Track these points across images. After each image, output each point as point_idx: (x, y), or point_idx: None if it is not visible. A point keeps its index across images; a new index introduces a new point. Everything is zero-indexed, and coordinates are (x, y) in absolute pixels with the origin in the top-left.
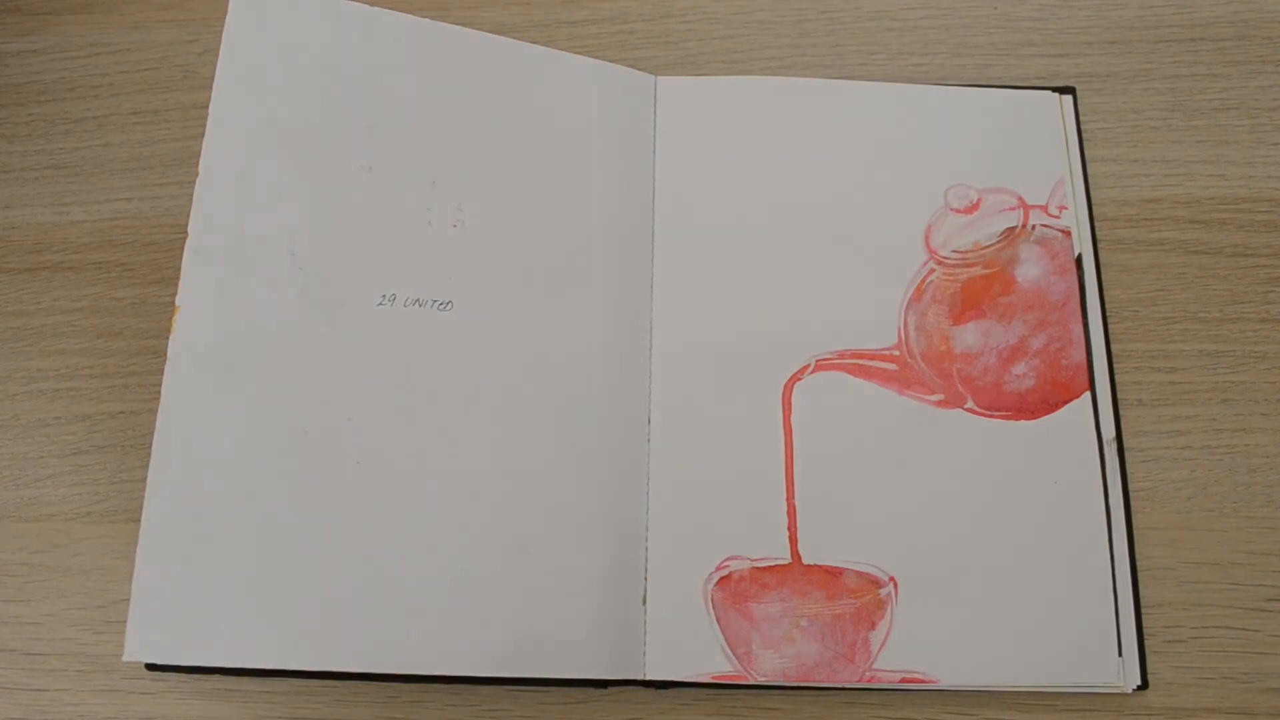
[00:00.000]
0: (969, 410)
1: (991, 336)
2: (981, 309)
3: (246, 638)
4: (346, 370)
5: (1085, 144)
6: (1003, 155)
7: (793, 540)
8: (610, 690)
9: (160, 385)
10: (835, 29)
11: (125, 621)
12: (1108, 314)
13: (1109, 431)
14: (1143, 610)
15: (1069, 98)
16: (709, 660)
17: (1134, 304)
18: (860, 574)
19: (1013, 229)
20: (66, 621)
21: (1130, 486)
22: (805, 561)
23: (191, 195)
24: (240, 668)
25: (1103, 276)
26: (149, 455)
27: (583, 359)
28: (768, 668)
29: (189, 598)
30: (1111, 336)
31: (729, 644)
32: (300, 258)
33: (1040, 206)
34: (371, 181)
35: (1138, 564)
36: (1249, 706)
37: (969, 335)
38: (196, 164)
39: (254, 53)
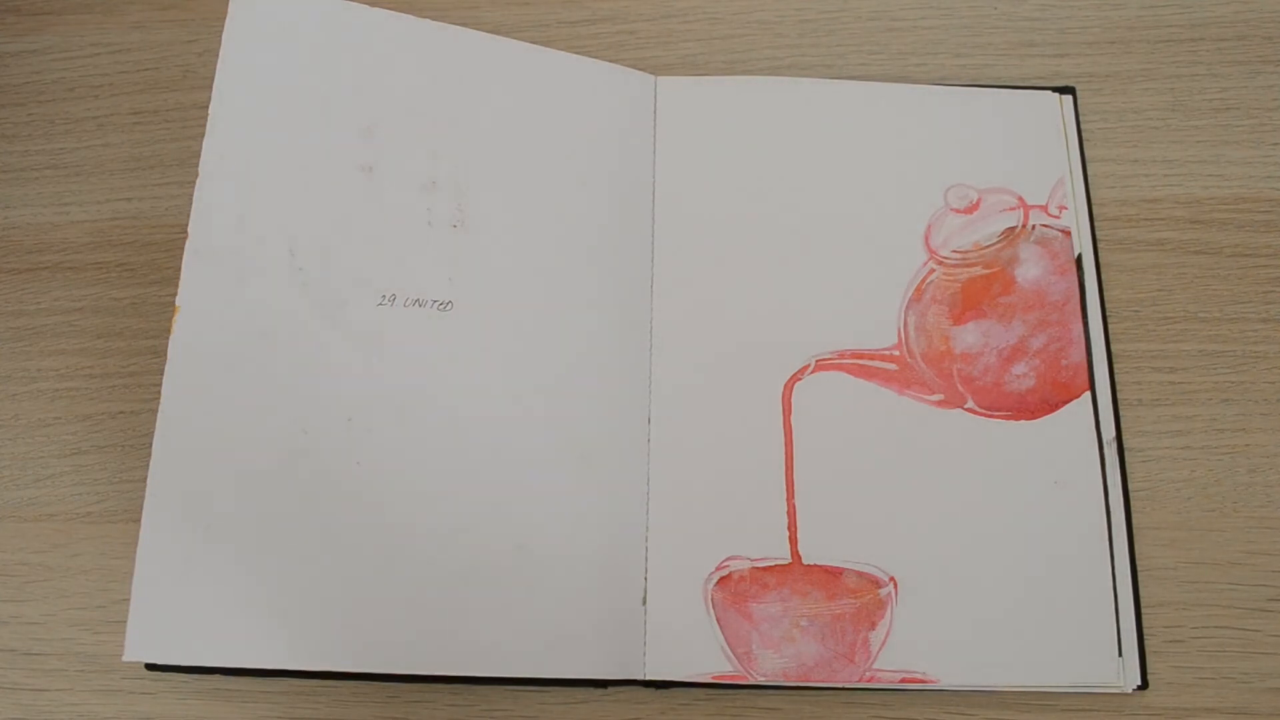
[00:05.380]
0: (969, 410)
1: (991, 336)
2: (981, 309)
3: (246, 638)
4: (346, 370)
5: (1085, 144)
6: (1003, 155)
7: (793, 540)
8: (610, 690)
9: (160, 385)
10: (835, 29)
11: (125, 621)
12: (1108, 314)
13: (1109, 431)
14: (1143, 610)
15: (1069, 98)
16: (709, 660)
17: (1134, 304)
18: (860, 574)
19: (1013, 229)
20: (66, 621)
21: (1130, 486)
22: (805, 561)
23: (191, 195)
24: (240, 668)
25: (1103, 276)
26: (149, 455)
27: (582, 359)
28: (768, 668)
29: (189, 598)
30: (1111, 336)
31: (729, 644)
32: (300, 258)
33: (1040, 206)
34: (371, 182)
35: (1138, 564)
36: (1249, 706)
37: (969, 335)
38: (196, 164)
39: (254, 53)
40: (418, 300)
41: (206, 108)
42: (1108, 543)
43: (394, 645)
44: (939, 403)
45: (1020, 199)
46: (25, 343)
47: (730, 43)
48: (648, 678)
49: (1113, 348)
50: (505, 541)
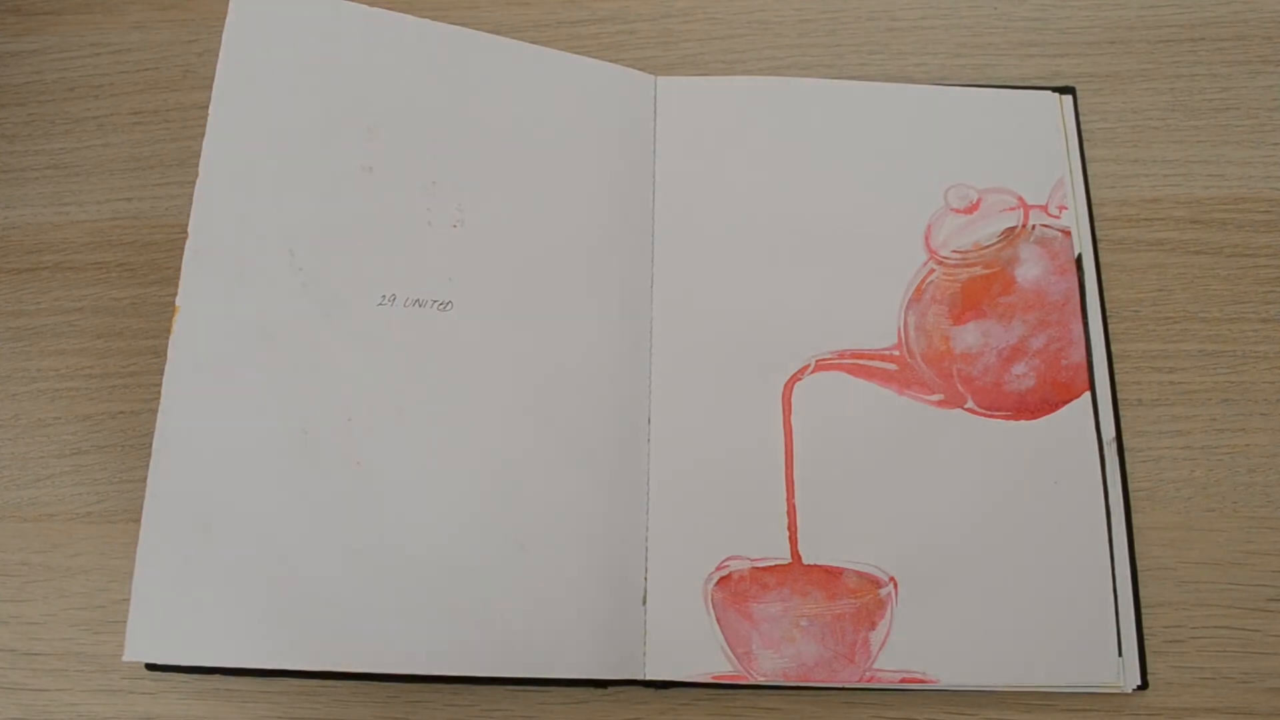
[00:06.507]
0: (969, 410)
1: (991, 336)
2: (981, 309)
3: (246, 638)
4: (346, 370)
5: (1085, 144)
6: (1003, 155)
7: (793, 540)
8: (610, 690)
9: (160, 385)
10: (835, 29)
11: (125, 621)
12: (1108, 314)
13: (1109, 431)
14: (1143, 610)
15: (1069, 98)
16: (709, 660)
17: (1134, 304)
18: (860, 574)
19: (1013, 229)
20: (66, 621)
21: (1130, 486)
22: (805, 561)
23: (191, 195)
24: (240, 668)
25: (1103, 276)
26: (149, 455)
27: (582, 359)
28: (768, 668)
29: (189, 598)
30: (1111, 336)
31: (729, 644)
32: (300, 258)
33: (1040, 206)
34: (371, 182)
35: (1138, 564)
36: (1249, 706)
37: (969, 335)
38: (196, 164)
39: (254, 53)
40: (418, 300)
41: (206, 108)
42: (1108, 543)
43: (394, 645)
44: (939, 403)
45: (1020, 199)
46: (25, 343)
47: (730, 43)
48: (648, 678)
49: (1113, 348)
50: (505, 541)
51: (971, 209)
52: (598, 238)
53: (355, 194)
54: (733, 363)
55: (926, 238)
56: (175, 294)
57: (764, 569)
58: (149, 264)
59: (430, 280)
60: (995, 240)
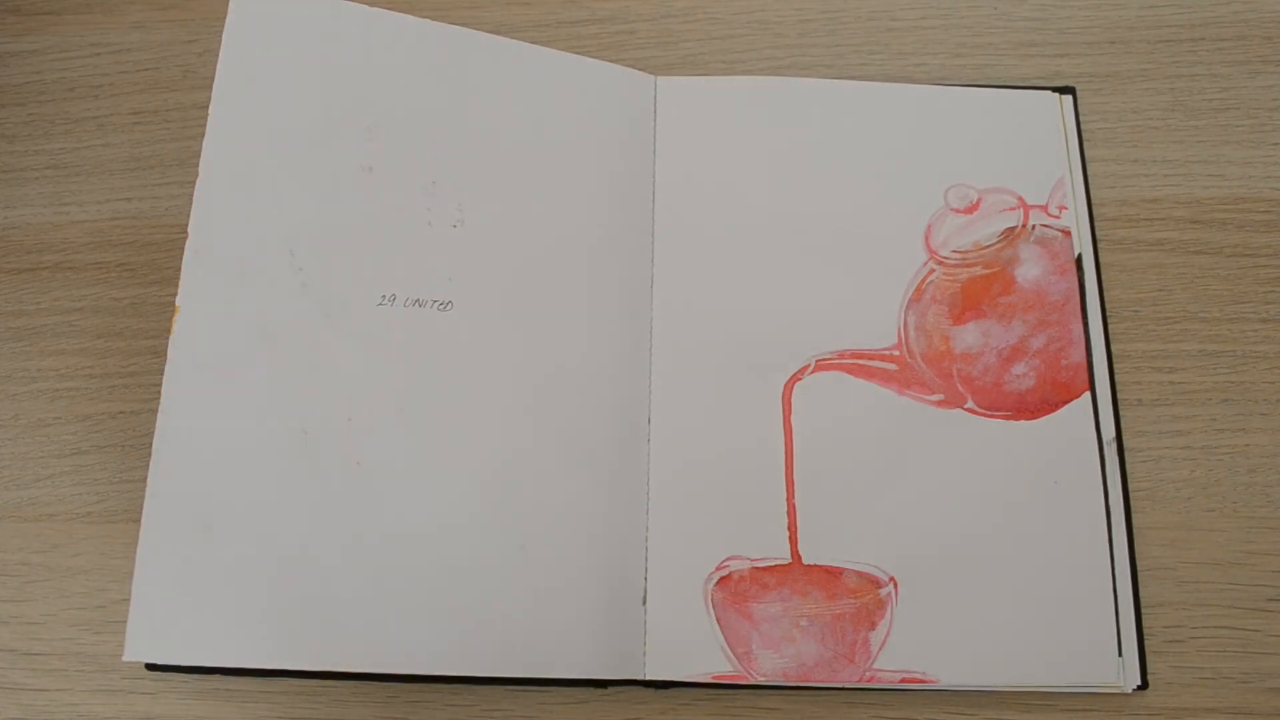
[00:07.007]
0: (969, 410)
1: (991, 336)
2: (981, 309)
3: (246, 638)
4: (346, 370)
5: (1085, 144)
6: (1003, 155)
7: (793, 540)
8: (610, 690)
9: (160, 385)
10: (835, 29)
11: (125, 621)
12: (1108, 314)
13: (1109, 431)
14: (1143, 610)
15: (1069, 98)
16: (709, 660)
17: (1134, 304)
18: (860, 574)
19: (1013, 229)
20: (66, 621)
21: (1130, 486)
22: (805, 561)
23: (191, 195)
24: (240, 668)
25: (1103, 276)
26: (149, 455)
27: (582, 359)
28: (768, 668)
29: (189, 598)
30: (1111, 336)
31: (729, 644)
32: (300, 258)
33: (1040, 206)
34: (371, 182)
35: (1138, 564)
36: (1249, 706)
37: (969, 335)
38: (196, 164)
39: (254, 53)
40: (418, 300)
41: (206, 108)
42: (1108, 543)
43: (394, 645)
44: (939, 403)
45: (1020, 199)
46: (25, 343)
47: (730, 43)
48: (648, 678)
49: (1113, 348)
50: (505, 541)
51: (971, 209)
52: (598, 238)
53: (355, 194)
54: (733, 363)
55: (926, 238)
56: (175, 294)
57: (764, 569)
58: (149, 264)
59: (430, 280)
60: (995, 240)
